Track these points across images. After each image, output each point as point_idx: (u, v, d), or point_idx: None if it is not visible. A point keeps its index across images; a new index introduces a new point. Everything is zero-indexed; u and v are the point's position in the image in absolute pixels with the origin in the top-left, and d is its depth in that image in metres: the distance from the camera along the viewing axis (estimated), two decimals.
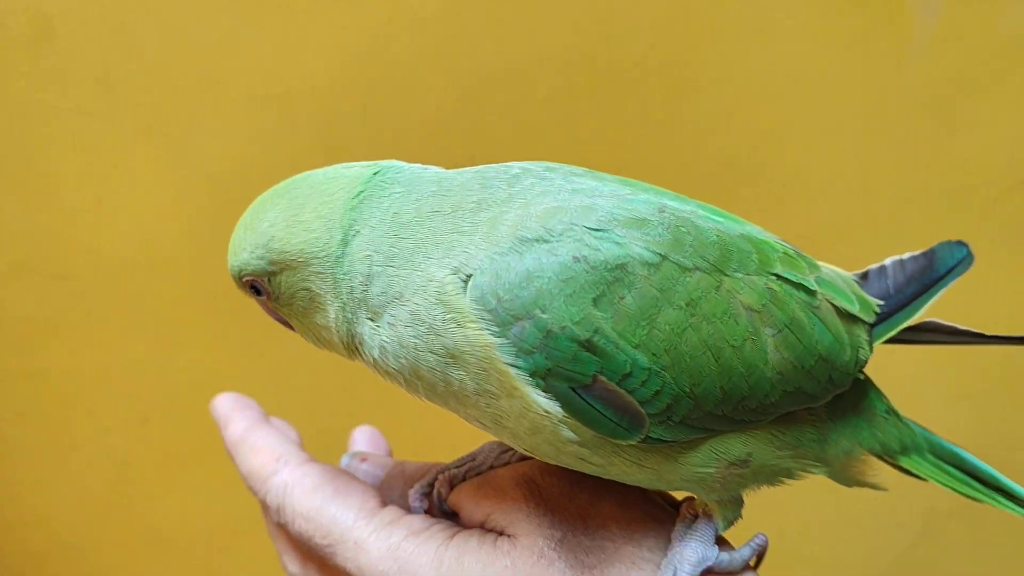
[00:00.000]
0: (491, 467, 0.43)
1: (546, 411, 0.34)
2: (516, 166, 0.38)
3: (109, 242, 0.69)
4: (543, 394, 0.34)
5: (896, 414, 0.43)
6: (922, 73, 0.73)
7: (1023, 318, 0.80)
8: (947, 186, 0.77)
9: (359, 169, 0.38)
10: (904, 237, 0.79)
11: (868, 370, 0.42)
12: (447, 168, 0.39)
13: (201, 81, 0.63)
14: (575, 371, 0.34)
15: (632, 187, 0.37)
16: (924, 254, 0.43)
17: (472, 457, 0.44)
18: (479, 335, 0.34)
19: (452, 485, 0.43)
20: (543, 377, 0.34)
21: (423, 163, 0.39)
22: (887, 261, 0.43)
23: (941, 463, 0.45)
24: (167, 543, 0.76)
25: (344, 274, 0.36)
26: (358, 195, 0.37)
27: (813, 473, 0.41)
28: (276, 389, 0.74)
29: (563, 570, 0.37)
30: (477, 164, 0.38)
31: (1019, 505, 0.45)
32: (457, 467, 0.44)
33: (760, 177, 0.72)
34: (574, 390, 0.34)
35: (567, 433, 0.35)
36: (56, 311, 0.70)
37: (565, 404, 0.34)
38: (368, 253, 0.36)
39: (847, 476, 0.43)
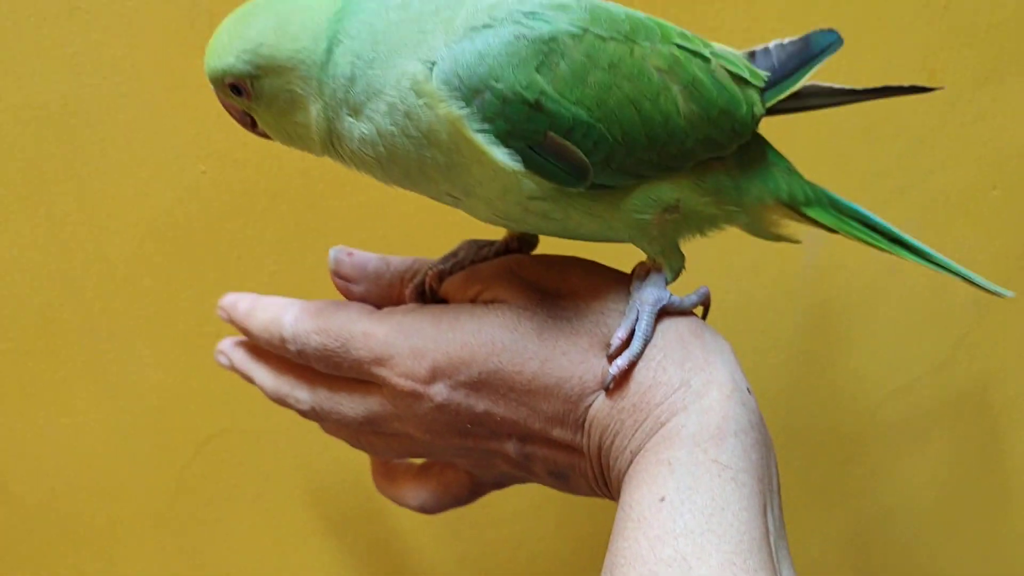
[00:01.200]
0: (472, 262, 0.51)
1: (512, 169, 0.41)
2: None
3: None
4: (507, 152, 0.41)
5: (797, 172, 0.52)
6: (809, 298, 0.80)
7: None
8: (837, 397, 0.83)
9: None
10: None
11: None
12: None
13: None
14: (529, 130, 0.41)
15: None
16: (801, 38, 0.51)
17: (455, 254, 0.52)
18: (449, 112, 0.41)
19: (441, 279, 0.51)
20: (505, 139, 0.41)
21: None
22: (770, 44, 0.51)
23: (843, 216, 0.52)
24: None
25: (329, 78, 0.42)
26: (338, 11, 0.43)
27: (735, 223, 0.49)
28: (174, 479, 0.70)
29: (544, 320, 0.46)
30: None
31: (917, 255, 0.52)
32: (443, 263, 0.51)
33: None
34: (531, 148, 0.41)
35: (530, 186, 0.42)
36: None
37: (525, 161, 0.41)
38: (351, 59, 0.42)
39: (763, 227, 0.51)
